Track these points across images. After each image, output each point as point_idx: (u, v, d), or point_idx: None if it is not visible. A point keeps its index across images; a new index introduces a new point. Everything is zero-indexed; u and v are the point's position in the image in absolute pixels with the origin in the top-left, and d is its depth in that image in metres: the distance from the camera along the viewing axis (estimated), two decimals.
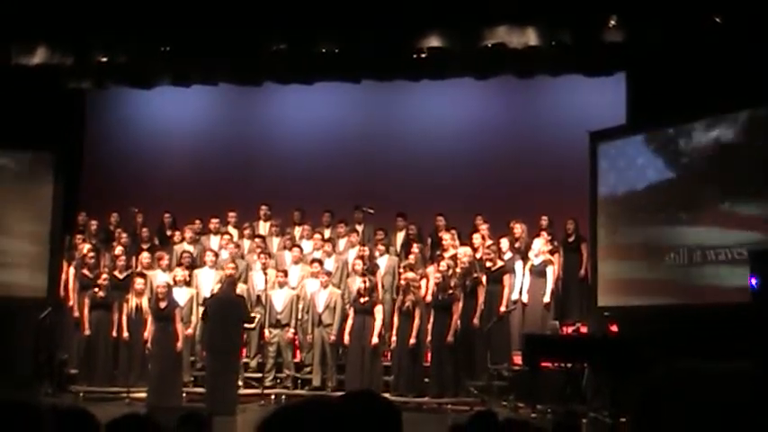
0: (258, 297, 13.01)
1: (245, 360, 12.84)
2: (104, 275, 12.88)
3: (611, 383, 10.56)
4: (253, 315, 12.47)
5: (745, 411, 1.42)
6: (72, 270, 13.42)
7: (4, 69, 12.72)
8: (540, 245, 12.71)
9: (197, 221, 14.36)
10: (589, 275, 12.68)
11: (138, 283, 12.64)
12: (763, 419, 1.42)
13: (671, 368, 1.48)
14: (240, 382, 12.24)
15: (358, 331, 12.26)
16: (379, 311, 12.34)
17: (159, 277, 12.86)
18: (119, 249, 13.49)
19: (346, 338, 12.42)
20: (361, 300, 12.33)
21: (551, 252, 12.83)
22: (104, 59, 12.84)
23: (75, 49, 12.72)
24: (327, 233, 14.22)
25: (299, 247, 13.69)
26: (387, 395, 11.10)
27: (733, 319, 9.69)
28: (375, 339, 12.18)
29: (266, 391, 12.47)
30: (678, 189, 11.36)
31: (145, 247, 13.88)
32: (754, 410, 1.43)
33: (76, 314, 13.00)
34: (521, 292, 12.63)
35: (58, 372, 13.05)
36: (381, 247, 13.52)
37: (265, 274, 13.10)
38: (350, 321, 12.45)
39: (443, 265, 12.16)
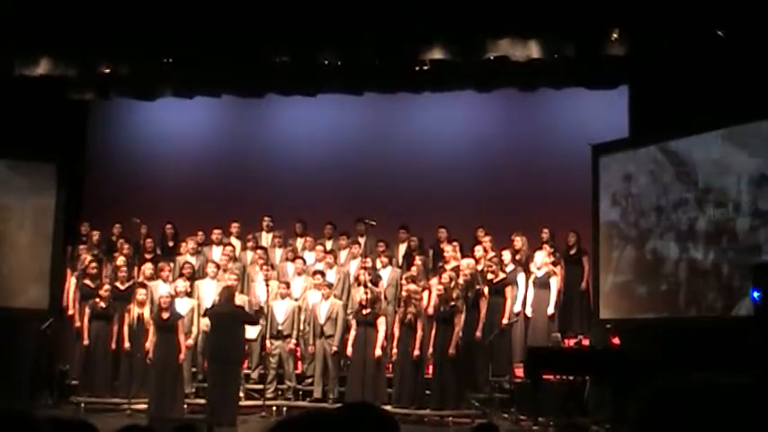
0: (260, 308, 12.99)
1: (246, 371, 12.82)
2: (106, 286, 12.89)
3: (613, 396, 10.56)
4: (256, 314, 12.50)
5: (746, 425, 1.42)
6: (74, 280, 13.43)
7: (8, 80, 12.74)
8: (541, 257, 12.71)
9: (199, 232, 14.37)
10: (591, 288, 12.66)
11: (140, 293, 12.64)
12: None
13: (670, 381, 1.47)
14: (241, 394, 12.22)
15: (360, 343, 12.25)
16: (381, 323, 12.33)
17: (161, 288, 12.86)
18: (120, 260, 13.50)
19: (349, 350, 12.42)
20: (364, 311, 12.32)
21: (554, 264, 12.83)
22: (107, 71, 12.86)
23: (79, 60, 12.74)
24: (329, 245, 14.22)
25: (301, 258, 13.70)
26: (388, 407, 11.10)
27: (735, 331, 9.69)
28: (378, 351, 12.17)
29: (267, 403, 12.44)
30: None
31: (148, 257, 13.88)
32: (755, 424, 1.42)
33: (78, 324, 13.01)
34: (524, 305, 12.62)
35: (58, 382, 13.05)
36: (384, 259, 13.52)
37: (267, 285, 13.09)
38: (352, 333, 12.44)
39: (445, 277, 12.14)
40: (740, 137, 10.71)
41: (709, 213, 10.90)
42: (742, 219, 10.56)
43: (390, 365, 12.55)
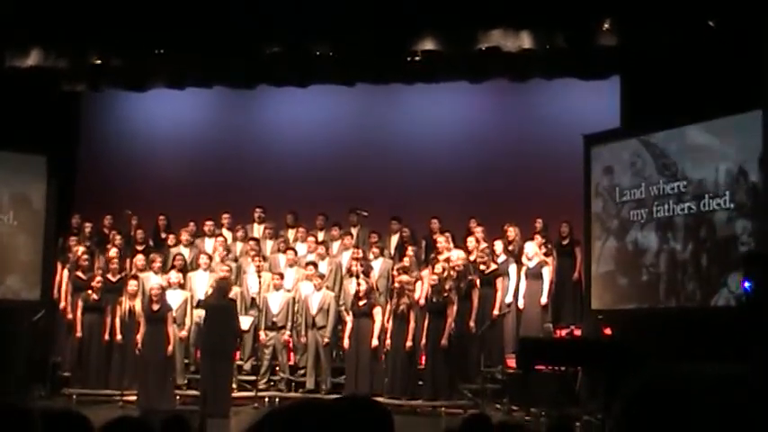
0: (253, 300, 12.99)
1: (239, 363, 12.82)
2: (98, 278, 12.86)
3: (604, 386, 10.58)
4: (245, 321, 12.50)
5: (734, 415, 1.42)
6: (66, 272, 13.40)
7: None
8: (532, 248, 12.71)
9: (191, 224, 14.34)
10: (583, 278, 12.68)
11: (132, 285, 12.62)
12: (753, 423, 1.42)
13: (655, 372, 1.47)
14: (234, 385, 12.23)
15: (356, 334, 12.26)
16: (378, 313, 12.34)
17: (152, 280, 12.84)
18: (112, 252, 13.46)
19: (346, 342, 12.43)
20: (360, 303, 12.33)
21: (545, 254, 12.84)
22: (99, 62, 12.82)
23: (70, 51, 12.68)
24: (321, 236, 14.20)
25: (293, 249, 13.68)
26: (381, 398, 11.11)
27: (727, 321, 9.72)
28: (375, 341, 12.18)
29: (260, 394, 12.45)
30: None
31: (139, 249, 13.85)
32: (744, 414, 1.42)
33: (70, 316, 12.99)
34: (516, 297, 12.62)
35: (51, 374, 13.03)
36: (376, 250, 13.51)
37: (259, 276, 13.08)
38: (349, 325, 12.45)
39: (438, 267, 12.15)
40: (720, 129, 10.74)
41: (689, 205, 10.95)
42: (720, 210, 10.61)
43: (383, 357, 12.56)
